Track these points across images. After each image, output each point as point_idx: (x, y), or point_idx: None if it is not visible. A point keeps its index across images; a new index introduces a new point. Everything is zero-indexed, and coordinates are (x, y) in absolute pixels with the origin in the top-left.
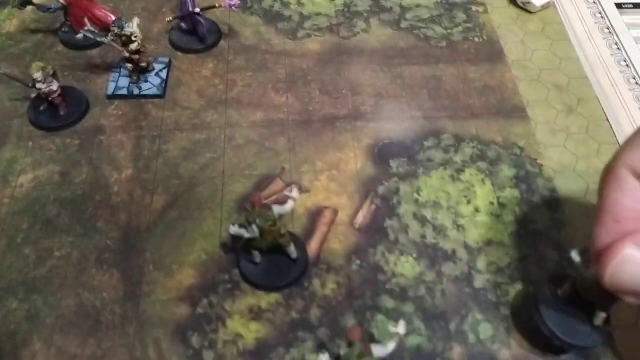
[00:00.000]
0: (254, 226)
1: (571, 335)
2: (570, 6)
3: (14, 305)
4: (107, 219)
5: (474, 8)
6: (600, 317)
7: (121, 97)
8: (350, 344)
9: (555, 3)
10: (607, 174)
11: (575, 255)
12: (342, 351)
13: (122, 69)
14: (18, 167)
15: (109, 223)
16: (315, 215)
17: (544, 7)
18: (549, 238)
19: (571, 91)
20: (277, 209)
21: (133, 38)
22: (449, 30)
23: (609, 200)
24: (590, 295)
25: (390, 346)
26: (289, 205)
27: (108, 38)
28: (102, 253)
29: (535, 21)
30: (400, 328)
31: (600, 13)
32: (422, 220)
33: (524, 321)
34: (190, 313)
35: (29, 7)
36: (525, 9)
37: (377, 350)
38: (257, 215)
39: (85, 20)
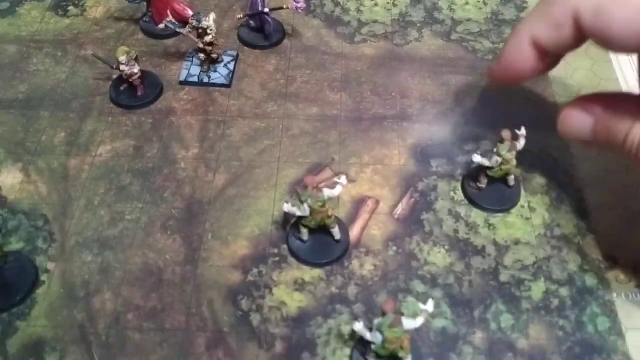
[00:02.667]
0: (305, 205)
1: (495, 202)
2: None
3: (89, 259)
4: (173, 191)
5: None
6: (511, 180)
7: (192, 84)
8: (383, 314)
9: None
10: (514, 32)
11: (477, 157)
12: (376, 320)
13: (194, 59)
14: (98, 138)
15: (175, 194)
16: (359, 203)
17: None
18: (574, 243)
19: None
20: (327, 193)
21: (209, 31)
22: (496, 45)
23: (507, 49)
24: (498, 174)
25: (419, 321)
26: (338, 190)
27: (186, 29)
28: (167, 220)
29: None
30: (429, 306)
31: None
32: (457, 217)
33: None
34: (242, 280)
35: None
36: None
37: (407, 323)
38: (309, 196)
39: (168, 12)
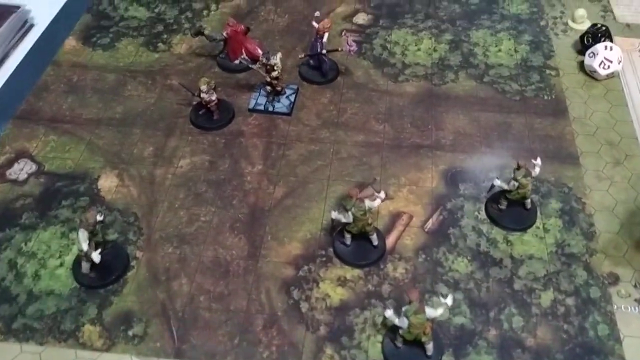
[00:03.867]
0: (349, 213)
1: (513, 222)
2: (632, 77)
3: (169, 250)
4: (240, 199)
5: (547, 71)
6: (528, 203)
7: (258, 111)
8: (409, 302)
9: (620, 74)
10: None
11: (497, 181)
12: (403, 307)
13: (261, 90)
14: (180, 153)
15: (242, 202)
16: (395, 217)
17: (609, 76)
18: (581, 261)
19: (621, 148)
20: (367, 203)
21: (275, 68)
22: (523, 88)
23: None
24: (516, 197)
25: (439, 311)
26: (377, 202)
27: (257, 65)
28: (234, 222)
29: (599, 87)
30: (449, 300)
31: None
32: (479, 233)
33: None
34: (294, 274)
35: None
36: (592, 76)
37: (429, 311)
38: (353, 205)
39: (242, 50)
